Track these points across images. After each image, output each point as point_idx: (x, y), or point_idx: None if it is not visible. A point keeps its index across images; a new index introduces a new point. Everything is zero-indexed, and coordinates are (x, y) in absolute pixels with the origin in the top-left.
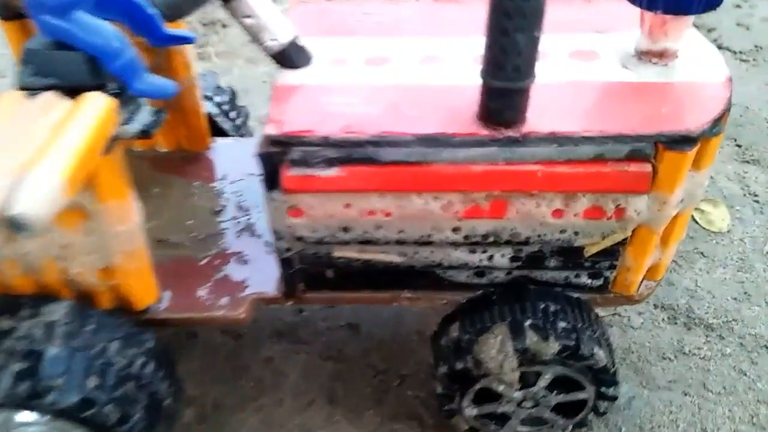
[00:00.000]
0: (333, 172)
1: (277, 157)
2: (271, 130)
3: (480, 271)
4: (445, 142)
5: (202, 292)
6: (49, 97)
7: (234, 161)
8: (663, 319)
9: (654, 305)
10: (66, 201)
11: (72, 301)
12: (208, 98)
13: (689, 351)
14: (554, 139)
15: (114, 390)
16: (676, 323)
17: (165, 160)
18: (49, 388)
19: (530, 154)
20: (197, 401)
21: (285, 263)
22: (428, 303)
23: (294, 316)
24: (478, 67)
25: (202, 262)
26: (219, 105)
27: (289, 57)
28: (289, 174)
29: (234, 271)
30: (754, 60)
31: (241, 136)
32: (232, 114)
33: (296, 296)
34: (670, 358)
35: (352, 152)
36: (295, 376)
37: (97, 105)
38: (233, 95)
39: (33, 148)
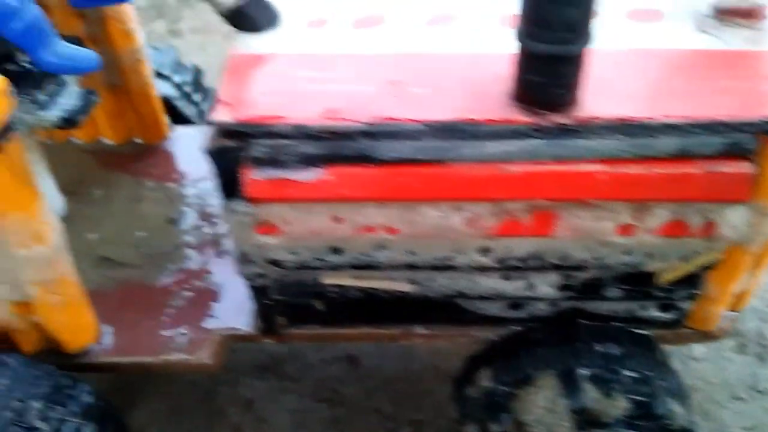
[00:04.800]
0: (314, 174)
1: (234, 153)
2: (223, 116)
3: (517, 303)
4: (468, 132)
5: (156, 328)
6: None
7: (197, 155)
8: (730, 348)
9: None
10: None
11: None
12: (165, 78)
13: (765, 388)
14: (622, 127)
15: None
16: (745, 353)
17: (111, 154)
18: None
19: (588, 149)
20: None
21: (258, 293)
22: (447, 341)
23: (280, 347)
24: (506, 28)
25: (156, 287)
26: (179, 86)
27: (248, 16)
28: (253, 177)
29: (197, 299)
30: None
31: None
32: (196, 97)
33: (276, 333)
34: (742, 398)
35: (340, 146)
36: (282, 423)
37: None
38: (197, 74)
39: None
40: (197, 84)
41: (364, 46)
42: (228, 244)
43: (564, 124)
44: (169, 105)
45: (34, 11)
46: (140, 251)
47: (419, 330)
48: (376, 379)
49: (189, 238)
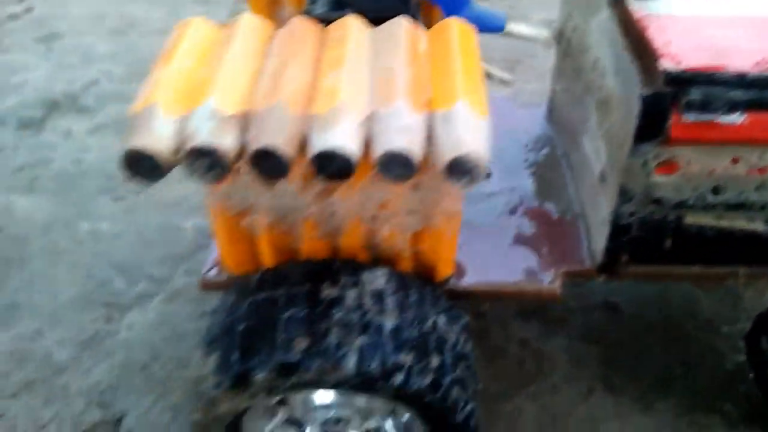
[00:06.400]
0: (737, 118)
1: (669, 99)
2: (669, 66)
3: None
4: None
5: (502, 264)
6: (402, 25)
7: None
8: None
9: None
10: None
11: (388, 268)
12: None
13: None
14: None
15: (454, 370)
16: None
17: None
18: (397, 368)
19: None
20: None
21: (618, 231)
22: None
23: None
24: None
25: (491, 227)
26: None
27: None
28: (683, 120)
29: (531, 242)
30: None
31: None
32: None
33: (614, 270)
34: None
35: (765, 94)
36: (560, 359)
37: (467, 33)
38: None
39: (423, 81)
40: None
41: (756, 10)
42: (534, 199)
43: None
44: None
45: None
46: None
47: (745, 270)
48: (638, 325)
49: (501, 190)
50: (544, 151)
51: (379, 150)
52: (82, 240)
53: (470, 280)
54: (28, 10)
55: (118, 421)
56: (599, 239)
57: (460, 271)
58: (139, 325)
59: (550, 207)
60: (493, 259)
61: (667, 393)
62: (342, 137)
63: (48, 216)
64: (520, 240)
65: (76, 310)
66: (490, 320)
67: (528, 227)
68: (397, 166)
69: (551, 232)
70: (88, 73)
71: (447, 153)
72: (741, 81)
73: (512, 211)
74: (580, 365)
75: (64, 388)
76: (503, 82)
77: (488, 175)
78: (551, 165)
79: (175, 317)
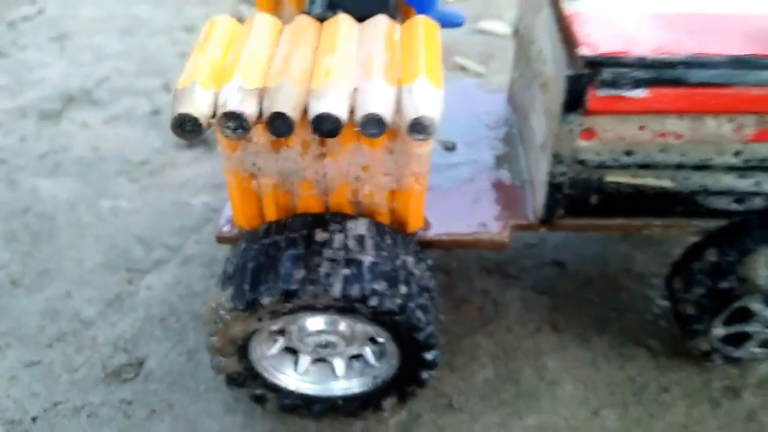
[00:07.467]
0: (640, 93)
1: (586, 78)
2: (588, 51)
3: (742, 198)
4: (754, 63)
5: (462, 220)
6: (381, 21)
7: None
8: None
9: None
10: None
11: (369, 218)
12: None
13: None
14: None
15: (419, 298)
16: None
17: None
18: (373, 293)
19: None
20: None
21: (553, 189)
22: (678, 231)
23: (497, 255)
24: None
25: (455, 191)
26: None
27: None
28: (597, 95)
29: (487, 203)
30: None
31: None
32: None
33: (552, 223)
34: None
35: (664, 73)
36: (514, 306)
37: (431, 27)
38: None
39: (396, 64)
40: None
41: (663, 8)
42: (491, 165)
43: None
44: None
45: None
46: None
47: (658, 222)
48: (581, 278)
49: (462, 160)
50: (504, 129)
51: (360, 114)
52: (103, 216)
53: (435, 231)
54: (41, 11)
55: (141, 363)
56: (540, 197)
57: (427, 225)
58: (157, 286)
59: (505, 175)
60: (455, 216)
61: (603, 332)
62: (333, 104)
63: (71, 196)
64: (477, 201)
65: (100, 274)
66: (457, 275)
67: (485, 191)
68: (373, 126)
69: (504, 195)
70: (100, 69)
71: (408, 115)
72: (642, 63)
73: (473, 179)
74: (531, 310)
75: (92, 338)
76: (477, 74)
77: (453, 148)
78: (508, 140)
79: (188, 279)
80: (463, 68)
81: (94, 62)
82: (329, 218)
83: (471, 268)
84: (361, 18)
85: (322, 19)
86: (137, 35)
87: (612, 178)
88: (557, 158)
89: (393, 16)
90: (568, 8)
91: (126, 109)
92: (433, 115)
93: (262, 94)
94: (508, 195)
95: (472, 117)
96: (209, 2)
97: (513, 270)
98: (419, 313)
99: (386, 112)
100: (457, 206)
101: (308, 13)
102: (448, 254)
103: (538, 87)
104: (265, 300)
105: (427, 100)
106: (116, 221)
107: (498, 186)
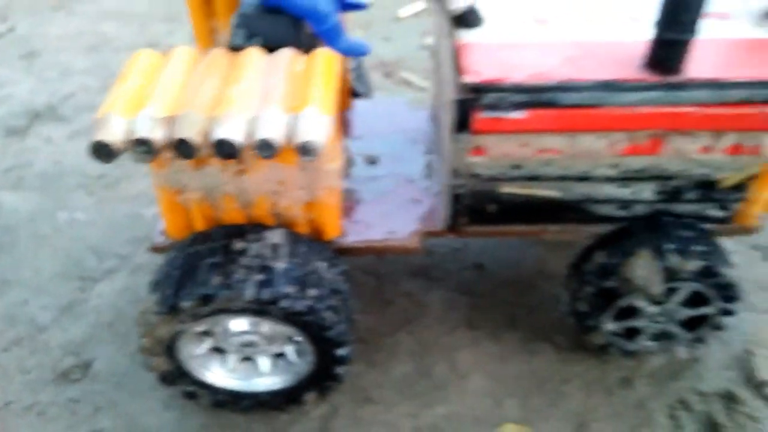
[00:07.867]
0: (518, 114)
1: (471, 102)
2: (471, 79)
3: (625, 205)
4: (617, 87)
5: (378, 227)
6: (286, 54)
7: (376, 119)
8: (758, 258)
9: (750, 246)
10: (331, 132)
11: (285, 228)
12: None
13: None
14: (712, 84)
15: (329, 300)
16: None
17: None
18: (283, 296)
19: (689, 98)
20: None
21: (455, 199)
22: (571, 236)
23: (423, 259)
24: (635, 25)
25: (375, 202)
26: (353, 70)
27: (470, 18)
28: (481, 117)
29: (403, 212)
30: None
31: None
32: (364, 78)
33: (458, 230)
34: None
35: (538, 97)
36: (437, 307)
37: (331, 59)
38: (361, 62)
39: (293, 93)
40: (362, 68)
41: (544, 37)
42: (411, 177)
43: (678, 82)
44: None
45: (336, 16)
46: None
47: (554, 228)
48: (498, 280)
49: (384, 173)
50: (426, 144)
51: (255, 138)
52: (60, 228)
53: (352, 239)
54: (11, 29)
55: (89, 365)
56: (447, 207)
57: (345, 233)
58: (107, 293)
59: (423, 186)
60: (372, 224)
61: (514, 329)
62: (231, 130)
63: (32, 208)
64: (394, 210)
65: (56, 282)
66: (385, 279)
67: (403, 201)
68: (266, 149)
69: (419, 205)
70: (66, 86)
71: (297, 139)
72: (518, 88)
73: (393, 191)
74: (451, 310)
75: (45, 343)
76: (421, 88)
77: (376, 162)
78: (429, 155)
79: (136, 286)
80: (408, 83)
81: (61, 79)
82: (248, 229)
83: (398, 273)
84: (273, 49)
85: (239, 50)
86: (103, 52)
87: (505, 189)
88: (455, 172)
89: (309, 46)
90: (460, 38)
91: (89, 125)
92: (319, 139)
93: (169, 121)
94: (423, 205)
95: (398, 132)
96: (173, 19)
97: (437, 273)
98: (328, 314)
99: (278, 136)
100: (376, 216)
101: (231, 43)
102: (378, 260)
103: (446, 107)
104: (185, 304)
105: (314, 126)
106: (72, 233)
107: (415, 196)
